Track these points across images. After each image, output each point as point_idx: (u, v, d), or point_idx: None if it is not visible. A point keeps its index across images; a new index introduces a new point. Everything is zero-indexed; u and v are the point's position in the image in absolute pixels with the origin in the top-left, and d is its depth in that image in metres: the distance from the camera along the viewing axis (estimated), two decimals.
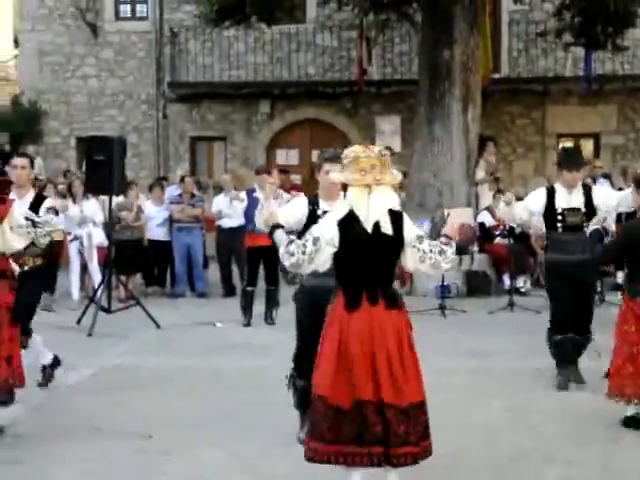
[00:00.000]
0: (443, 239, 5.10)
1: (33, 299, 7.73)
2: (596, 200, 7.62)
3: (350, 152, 4.95)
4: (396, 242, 4.90)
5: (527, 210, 8.02)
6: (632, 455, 6.02)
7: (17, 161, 7.84)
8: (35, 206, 7.48)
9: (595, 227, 7.48)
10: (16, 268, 7.05)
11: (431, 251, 4.96)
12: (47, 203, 7.69)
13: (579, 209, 7.56)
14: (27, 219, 6.74)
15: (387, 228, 4.85)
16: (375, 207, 4.84)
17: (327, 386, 4.80)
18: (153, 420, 6.90)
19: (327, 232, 4.84)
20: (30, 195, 7.68)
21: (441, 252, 4.98)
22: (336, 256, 4.88)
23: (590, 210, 7.58)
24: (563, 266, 7.52)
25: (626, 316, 6.63)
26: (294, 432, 6.03)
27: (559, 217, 7.62)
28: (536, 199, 7.90)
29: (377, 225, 4.84)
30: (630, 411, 6.58)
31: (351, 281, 4.90)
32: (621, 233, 7.04)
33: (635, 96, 20.38)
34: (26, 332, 7.63)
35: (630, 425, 6.52)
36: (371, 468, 4.79)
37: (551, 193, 7.75)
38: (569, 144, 20.61)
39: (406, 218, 4.99)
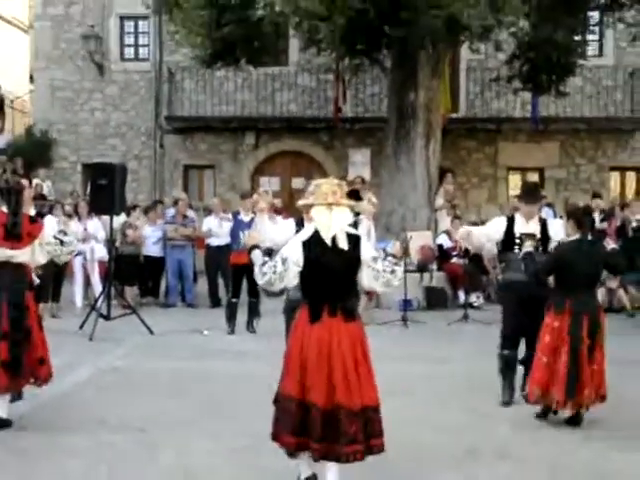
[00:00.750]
0: (390, 258, 5.08)
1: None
2: (550, 231, 7.58)
3: (314, 182, 5.15)
4: (353, 259, 4.90)
5: (486, 236, 7.97)
6: (576, 453, 5.98)
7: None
8: None
9: (528, 250, 7.40)
10: (36, 279, 6.99)
11: (384, 270, 4.98)
12: (48, 222, 7.65)
13: (534, 235, 7.52)
14: (56, 238, 6.78)
15: (344, 244, 4.88)
16: (335, 223, 4.91)
17: (292, 386, 4.82)
18: (148, 416, 6.80)
19: (292, 253, 4.88)
20: (30, 213, 7.47)
21: (392, 272, 5.01)
22: (301, 273, 4.90)
23: (544, 237, 7.54)
24: (516, 285, 7.40)
25: (544, 328, 6.71)
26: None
27: (517, 240, 7.57)
28: (497, 226, 7.83)
29: (335, 240, 4.87)
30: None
31: (314, 296, 4.91)
32: (554, 254, 7.02)
33: (575, 135, 20.49)
34: None
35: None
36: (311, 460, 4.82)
37: (511, 221, 7.70)
38: (518, 176, 20.80)
39: (363, 241, 5.03)
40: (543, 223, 7.71)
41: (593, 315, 6.63)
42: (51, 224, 7.87)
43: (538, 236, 7.51)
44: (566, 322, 6.58)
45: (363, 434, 4.74)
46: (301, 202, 5.31)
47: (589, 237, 6.77)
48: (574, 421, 6.60)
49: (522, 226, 7.62)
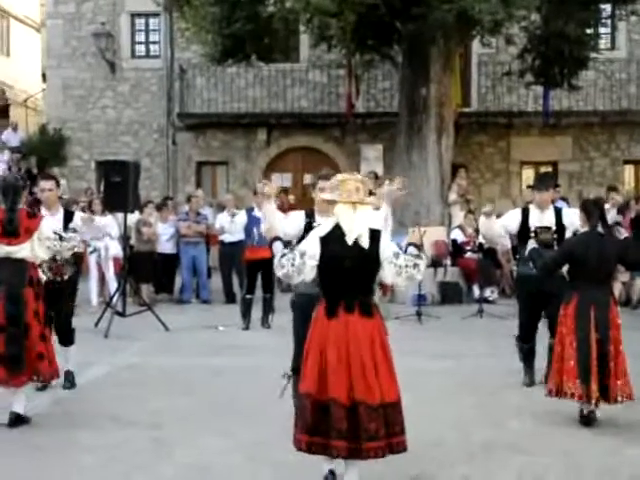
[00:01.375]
0: (411, 248, 5.10)
1: (72, 307, 7.78)
2: (565, 220, 7.54)
3: (339, 176, 5.09)
4: (373, 257, 4.89)
5: (504, 228, 7.93)
6: (588, 446, 5.99)
7: (44, 184, 7.77)
8: (66, 222, 7.51)
9: (533, 246, 7.38)
10: (42, 276, 7.01)
11: (406, 266, 4.94)
12: (76, 218, 7.66)
13: (550, 227, 7.49)
14: (55, 233, 6.74)
15: (366, 243, 4.86)
16: (358, 223, 4.88)
17: (310, 385, 4.81)
18: (163, 413, 6.86)
19: (310, 248, 4.89)
20: (60, 213, 7.65)
21: (415, 265, 4.97)
22: (319, 268, 4.90)
23: (560, 228, 7.51)
24: (532, 279, 7.36)
25: (559, 320, 6.67)
26: (291, 423, 5.94)
27: (532, 234, 7.55)
28: (512, 218, 7.82)
29: (357, 239, 4.86)
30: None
31: (331, 291, 4.91)
32: (564, 246, 6.98)
33: (588, 129, 20.44)
34: (72, 335, 7.73)
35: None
36: (333, 459, 4.83)
37: (525, 213, 7.69)
38: (531, 170, 20.77)
39: (384, 236, 5.00)
40: (558, 213, 7.67)
41: (602, 309, 6.49)
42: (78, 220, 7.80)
43: (554, 228, 7.49)
44: (572, 314, 6.53)
45: (384, 430, 4.73)
46: (325, 196, 5.24)
47: (599, 229, 6.65)
48: (588, 419, 6.48)
49: (537, 217, 7.60)
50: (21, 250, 6.50)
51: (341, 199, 4.94)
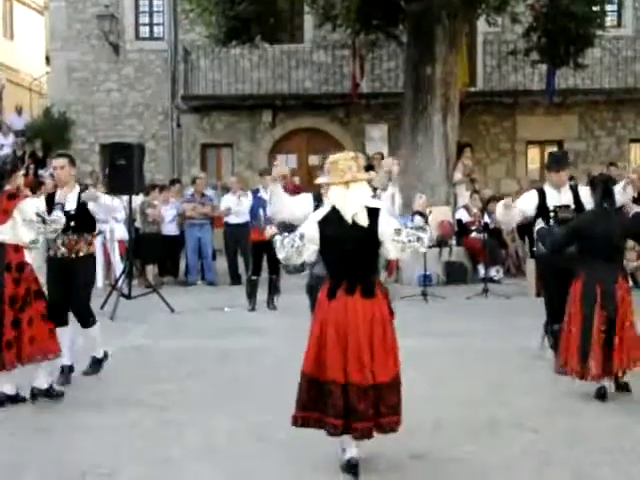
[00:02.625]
0: (417, 217, 5.08)
1: (90, 286, 7.62)
2: (583, 198, 7.39)
3: (330, 158, 5.07)
4: (373, 235, 4.88)
5: (522, 213, 7.74)
6: (592, 424, 6.01)
7: (55, 162, 7.56)
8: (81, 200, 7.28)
9: (541, 225, 7.30)
10: (29, 260, 6.81)
11: (409, 241, 4.92)
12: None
13: (569, 205, 7.37)
14: (38, 215, 6.53)
15: (364, 221, 4.86)
16: (353, 201, 4.88)
17: (308, 364, 4.91)
18: (170, 394, 6.89)
19: (308, 231, 4.93)
20: (75, 191, 7.35)
21: (418, 239, 4.94)
22: (320, 251, 4.94)
23: (578, 206, 7.40)
24: (554, 259, 7.18)
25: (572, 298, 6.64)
26: None
27: (551, 214, 7.41)
28: (528, 201, 7.67)
29: (355, 219, 4.86)
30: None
31: (333, 272, 4.95)
32: (571, 223, 6.93)
33: (594, 107, 20.37)
34: (90, 317, 7.52)
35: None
36: (332, 437, 4.89)
37: (542, 194, 7.56)
38: (537, 150, 20.73)
39: (383, 214, 4.95)
40: (575, 191, 7.57)
41: (609, 285, 6.47)
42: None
43: (573, 206, 7.40)
44: (579, 291, 6.53)
45: (373, 411, 4.79)
46: (320, 180, 5.29)
47: (605, 205, 6.60)
48: (600, 394, 6.50)
49: (554, 197, 7.48)
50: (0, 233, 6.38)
51: (333, 180, 4.96)
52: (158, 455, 5.39)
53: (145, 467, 5.20)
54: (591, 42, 16.70)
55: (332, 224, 4.88)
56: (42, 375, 6.64)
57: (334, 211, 4.91)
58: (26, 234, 6.50)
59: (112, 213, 9.06)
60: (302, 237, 4.93)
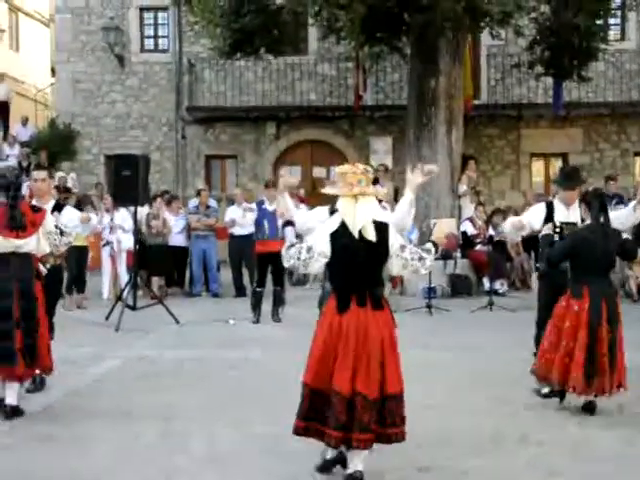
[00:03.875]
0: (428, 245, 5.12)
1: (56, 297, 7.74)
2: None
3: (339, 169, 5.07)
4: (380, 249, 4.90)
5: (529, 226, 7.63)
6: (597, 436, 6.01)
7: (37, 174, 7.72)
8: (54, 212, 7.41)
9: (546, 232, 7.25)
10: (43, 269, 7.02)
11: (412, 259, 4.98)
12: (67, 213, 7.67)
13: (575, 224, 7.24)
14: (57, 227, 6.82)
15: (372, 235, 4.87)
16: (361, 215, 4.89)
17: (309, 375, 4.94)
18: (174, 405, 6.89)
19: (319, 244, 4.90)
20: (50, 204, 7.56)
21: (420, 258, 5.00)
22: (329, 263, 4.93)
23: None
24: (555, 276, 7.09)
25: (563, 312, 6.63)
26: None
27: (557, 229, 7.29)
28: (536, 215, 7.58)
29: (362, 232, 4.87)
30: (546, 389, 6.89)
31: (342, 285, 4.95)
32: (567, 240, 6.91)
33: (598, 120, 20.40)
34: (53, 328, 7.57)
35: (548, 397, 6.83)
36: (329, 447, 4.94)
37: (550, 208, 7.47)
38: (541, 162, 20.76)
39: (391, 229, 5.00)
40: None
41: (610, 301, 6.56)
42: (70, 214, 7.86)
43: (580, 225, 7.31)
44: (585, 307, 6.52)
45: (378, 423, 4.82)
46: (327, 191, 5.26)
47: (601, 220, 6.60)
48: (589, 408, 6.56)
49: (562, 213, 7.37)
50: (27, 244, 6.56)
51: (341, 193, 4.95)
52: (163, 465, 5.40)
53: (150, 477, 5.20)
54: (595, 55, 16.73)
55: (342, 236, 4.88)
56: (15, 392, 6.55)
57: (344, 224, 4.91)
58: (46, 245, 6.72)
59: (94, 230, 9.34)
60: (310, 250, 4.90)
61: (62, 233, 6.81)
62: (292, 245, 5.00)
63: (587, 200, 6.78)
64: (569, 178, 7.55)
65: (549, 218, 7.43)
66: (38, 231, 6.61)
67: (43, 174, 7.69)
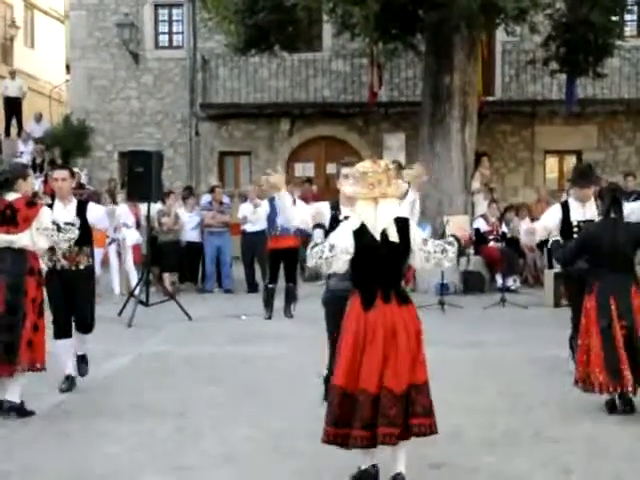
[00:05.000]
0: (450, 238, 5.07)
1: (93, 296, 7.66)
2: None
3: (360, 167, 4.90)
4: (403, 247, 4.84)
5: (546, 230, 7.50)
6: (612, 433, 5.97)
7: (57, 174, 7.54)
8: (79, 213, 7.30)
9: (555, 239, 7.20)
10: (43, 266, 6.97)
11: (435, 251, 4.93)
12: (93, 208, 7.57)
13: (593, 220, 7.12)
14: (54, 224, 6.69)
15: (394, 236, 4.79)
16: (381, 218, 4.79)
17: (340, 376, 4.77)
18: (187, 402, 6.89)
19: (342, 241, 4.79)
20: (73, 204, 7.39)
21: (443, 251, 4.96)
22: (352, 261, 4.82)
23: None
24: (576, 274, 6.99)
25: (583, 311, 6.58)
26: (315, 412, 5.93)
27: (575, 229, 7.25)
28: (552, 216, 7.51)
29: (385, 233, 4.78)
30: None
31: (366, 282, 4.85)
32: (579, 236, 6.86)
33: (613, 117, 20.29)
34: (92, 326, 7.50)
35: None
36: (361, 449, 4.75)
37: (566, 208, 7.43)
38: (555, 159, 20.66)
39: (412, 224, 4.94)
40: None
41: (623, 296, 6.42)
42: (96, 209, 7.72)
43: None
44: (594, 303, 6.47)
45: (403, 418, 4.70)
46: (346, 191, 5.15)
47: (613, 215, 6.53)
48: (615, 406, 6.46)
49: (578, 212, 7.32)
50: (20, 239, 6.48)
51: (361, 195, 4.82)
52: (175, 462, 5.39)
53: (162, 474, 5.19)
54: (610, 52, 16.62)
55: (365, 233, 4.77)
56: (17, 389, 6.49)
57: (363, 224, 4.80)
58: (43, 241, 6.64)
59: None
60: (332, 248, 4.79)
61: (59, 229, 6.67)
62: (316, 244, 4.90)
63: (602, 196, 6.72)
64: (584, 176, 7.52)
65: (565, 217, 7.37)
66: (31, 227, 6.52)
67: (64, 173, 7.49)
